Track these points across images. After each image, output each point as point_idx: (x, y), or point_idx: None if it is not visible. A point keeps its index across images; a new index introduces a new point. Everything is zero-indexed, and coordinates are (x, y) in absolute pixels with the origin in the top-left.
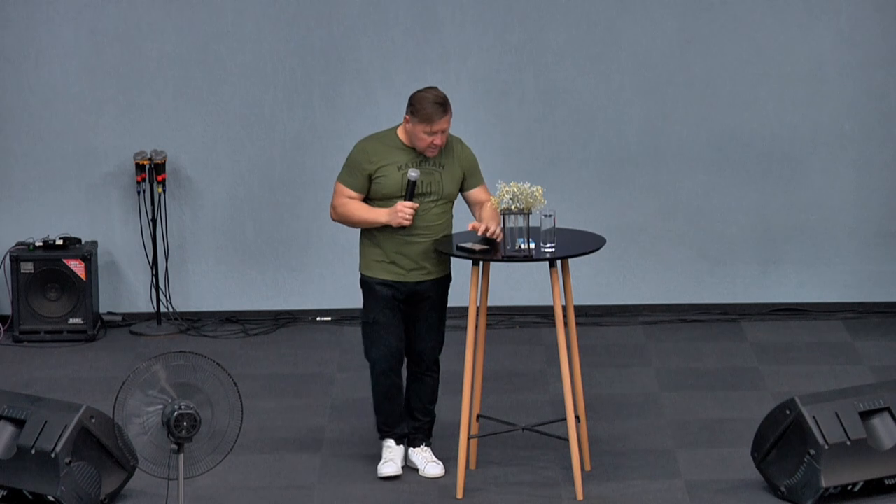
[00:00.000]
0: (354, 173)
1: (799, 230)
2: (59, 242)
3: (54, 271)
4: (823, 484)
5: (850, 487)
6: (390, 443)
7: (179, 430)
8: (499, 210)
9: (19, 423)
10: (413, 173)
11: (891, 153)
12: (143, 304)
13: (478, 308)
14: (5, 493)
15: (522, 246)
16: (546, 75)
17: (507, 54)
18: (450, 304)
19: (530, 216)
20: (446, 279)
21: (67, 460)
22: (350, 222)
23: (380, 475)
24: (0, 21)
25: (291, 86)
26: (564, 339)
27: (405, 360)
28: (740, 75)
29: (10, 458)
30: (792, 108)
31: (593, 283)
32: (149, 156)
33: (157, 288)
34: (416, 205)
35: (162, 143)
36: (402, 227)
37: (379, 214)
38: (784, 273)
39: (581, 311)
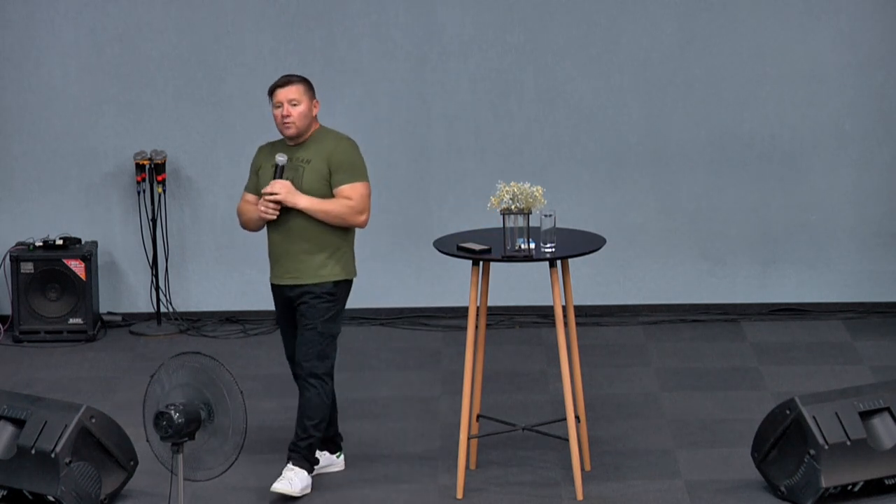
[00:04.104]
0: (250, 176)
1: (799, 230)
2: (59, 242)
3: (54, 271)
4: (823, 484)
5: (850, 487)
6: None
7: (158, 428)
8: (500, 210)
9: (19, 423)
10: (280, 158)
11: (891, 153)
12: (143, 304)
13: (478, 308)
14: (5, 493)
15: (522, 246)
16: (546, 75)
17: (507, 54)
18: (450, 303)
19: (530, 216)
20: (322, 288)
21: (67, 460)
22: (243, 222)
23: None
24: (0, 21)
25: None
26: (564, 339)
27: None
28: (740, 75)
29: (10, 458)
30: (792, 108)
31: (593, 283)
32: (149, 156)
33: (157, 288)
34: (275, 192)
35: (162, 143)
36: (273, 226)
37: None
38: (784, 273)
39: (581, 311)
